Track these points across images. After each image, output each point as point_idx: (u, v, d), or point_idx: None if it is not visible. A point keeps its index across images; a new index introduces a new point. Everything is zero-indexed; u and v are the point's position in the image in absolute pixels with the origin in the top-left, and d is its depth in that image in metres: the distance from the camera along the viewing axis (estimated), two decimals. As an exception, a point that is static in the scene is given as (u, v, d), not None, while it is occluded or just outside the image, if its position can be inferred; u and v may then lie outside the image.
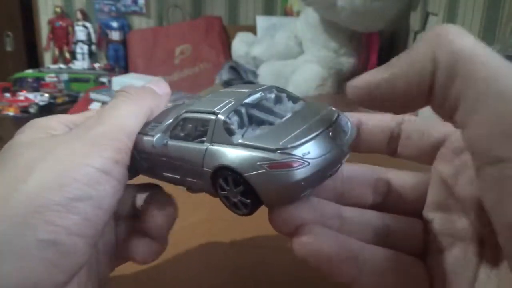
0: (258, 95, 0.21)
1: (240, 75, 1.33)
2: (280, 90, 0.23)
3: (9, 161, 0.20)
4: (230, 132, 0.19)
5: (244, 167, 0.18)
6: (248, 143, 0.19)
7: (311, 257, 0.19)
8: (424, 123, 0.23)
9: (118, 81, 1.45)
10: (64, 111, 1.59)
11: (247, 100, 0.21)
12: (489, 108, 0.14)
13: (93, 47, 2.25)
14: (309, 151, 0.18)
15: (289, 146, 0.18)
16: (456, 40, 0.16)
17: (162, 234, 0.25)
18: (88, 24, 2.22)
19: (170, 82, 2.02)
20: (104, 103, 1.44)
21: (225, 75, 1.35)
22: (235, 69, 1.36)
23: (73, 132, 0.22)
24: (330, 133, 0.19)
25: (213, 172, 0.20)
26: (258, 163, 0.18)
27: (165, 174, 0.23)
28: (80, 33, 2.21)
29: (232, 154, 0.19)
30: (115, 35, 2.19)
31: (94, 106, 1.46)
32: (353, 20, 1.09)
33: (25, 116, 1.71)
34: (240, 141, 0.19)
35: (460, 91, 0.15)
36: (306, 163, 0.18)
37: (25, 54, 2.72)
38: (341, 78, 1.22)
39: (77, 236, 0.19)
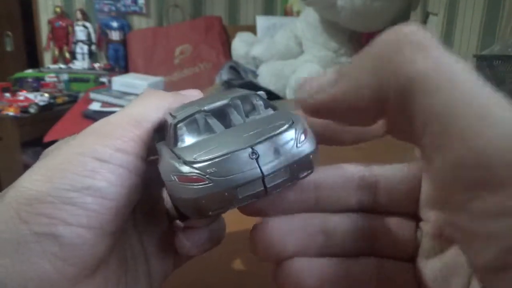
0: (224, 101, 0.20)
1: (240, 75, 1.33)
2: (260, 98, 0.21)
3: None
4: (176, 139, 0.19)
5: (164, 174, 0.19)
6: (175, 151, 0.19)
7: None
8: None
9: (118, 81, 1.45)
10: (64, 111, 1.59)
11: (206, 107, 0.20)
12: (451, 151, 0.13)
13: (93, 47, 2.25)
14: (216, 168, 0.17)
15: (198, 160, 0.17)
16: (412, 60, 0.13)
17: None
18: (88, 24, 2.22)
19: (170, 82, 2.02)
20: (104, 103, 1.44)
21: (225, 75, 1.35)
22: (235, 69, 1.36)
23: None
24: (254, 153, 0.18)
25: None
26: (172, 173, 0.18)
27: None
28: (80, 33, 2.21)
29: (164, 159, 0.19)
30: (115, 35, 2.19)
31: (94, 106, 1.45)
32: (353, 20, 1.09)
33: (25, 116, 1.70)
34: (174, 148, 0.19)
35: (418, 125, 0.14)
36: (208, 181, 0.17)
37: (25, 54, 2.72)
38: (341, 78, 1.22)
39: (80, 228, 0.18)
